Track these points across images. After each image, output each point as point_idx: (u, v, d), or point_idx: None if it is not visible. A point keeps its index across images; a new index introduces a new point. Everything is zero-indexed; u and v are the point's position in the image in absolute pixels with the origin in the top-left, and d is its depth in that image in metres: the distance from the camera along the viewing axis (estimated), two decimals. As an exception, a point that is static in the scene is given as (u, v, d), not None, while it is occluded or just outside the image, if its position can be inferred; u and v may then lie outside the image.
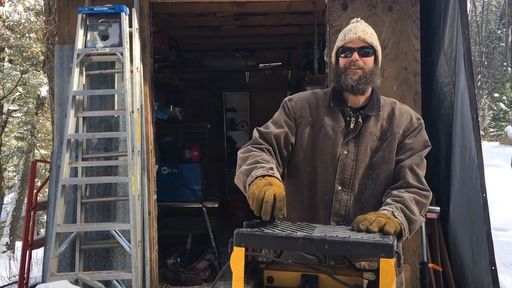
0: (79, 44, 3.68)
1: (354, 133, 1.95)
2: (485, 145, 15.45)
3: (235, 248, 1.52)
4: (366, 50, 1.95)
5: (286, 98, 2.11)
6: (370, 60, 1.96)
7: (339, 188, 1.94)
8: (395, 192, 1.86)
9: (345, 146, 1.95)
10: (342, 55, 1.98)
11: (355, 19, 2.05)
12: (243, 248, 1.51)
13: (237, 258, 1.52)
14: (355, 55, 1.94)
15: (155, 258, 4.02)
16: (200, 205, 5.06)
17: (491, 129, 22.62)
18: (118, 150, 3.85)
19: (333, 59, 2.05)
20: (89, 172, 3.82)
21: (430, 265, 3.85)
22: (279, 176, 1.70)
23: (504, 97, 25.51)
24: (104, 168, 3.82)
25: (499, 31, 33.48)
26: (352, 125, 1.96)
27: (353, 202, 1.94)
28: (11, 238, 10.93)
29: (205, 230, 4.98)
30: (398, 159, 1.94)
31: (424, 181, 1.91)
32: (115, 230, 3.44)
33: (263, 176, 1.67)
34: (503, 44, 33.38)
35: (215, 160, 7.60)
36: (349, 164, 1.94)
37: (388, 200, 1.82)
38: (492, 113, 23.66)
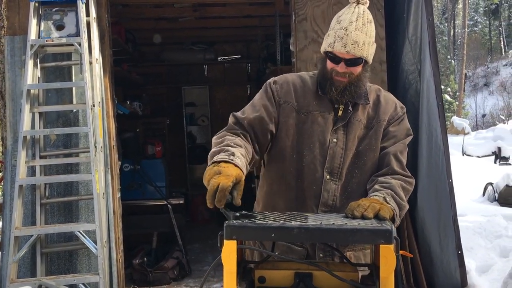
0: (33, 35, 3.43)
1: (343, 121, 1.89)
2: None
3: (226, 241, 1.45)
4: (355, 60, 1.81)
5: (271, 80, 1.98)
6: (358, 68, 1.84)
7: (328, 177, 1.88)
8: (381, 178, 1.83)
9: (334, 134, 1.89)
10: (329, 59, 1.85)
11: (353, 7, 1.82)
12: (235, 241, 1.44)
13: (229, 252, 1.44)
14: (342, 66, 1.82)
15: (121, 258, 3.84)
16: (165, 202, 4.90)
17: (438, 120, 23.44)
18: (79, 146, 3.64)
19: (322, 50, 1.89)
20: (47, 171, 3.58)
21: (400, 252, 3.89)
22: (239, 162, 1.58)
23: (449, 89, 26.58)
24: (64, 166, 3.60)
25: (441, 26, 34.83)
26: (340, 113, 1.90)
27: (340, 192, 1.90)
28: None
29: (171, 228, 4.83)
30: (382, 146, 1.91)
31: (406, 168, 1.90)
32: (79, 231, 3.24)
33: (219, 162, 1.57)
34: (446, 38, 34.79)
35: (176, 156, 7.41)
36: (338, 153, 1.88)
37: (377, 186, 1.79)
38: (439, 104, 24.51)
